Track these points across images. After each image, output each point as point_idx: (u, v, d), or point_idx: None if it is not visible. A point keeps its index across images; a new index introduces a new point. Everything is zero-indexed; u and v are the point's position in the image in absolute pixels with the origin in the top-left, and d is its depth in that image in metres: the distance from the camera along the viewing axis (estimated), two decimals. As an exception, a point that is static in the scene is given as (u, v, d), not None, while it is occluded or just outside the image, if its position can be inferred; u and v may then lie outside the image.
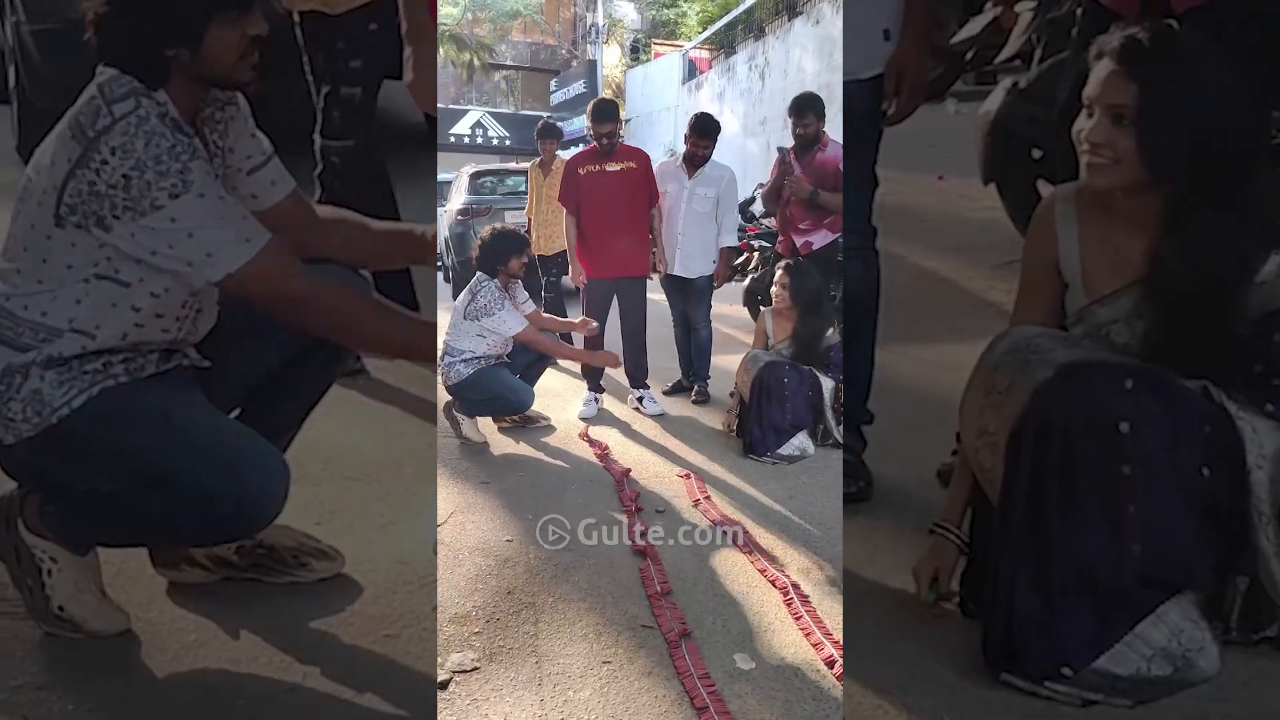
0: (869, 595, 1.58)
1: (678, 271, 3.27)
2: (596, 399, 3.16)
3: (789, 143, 3.25)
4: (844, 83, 1.67)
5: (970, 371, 1.28)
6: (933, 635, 1.37)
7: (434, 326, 1.39)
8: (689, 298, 3.32)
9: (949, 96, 2.59)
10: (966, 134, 1.89)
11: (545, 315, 3.12)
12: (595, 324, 3.00)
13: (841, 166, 3.18)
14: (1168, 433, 1.11)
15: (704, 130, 3.23)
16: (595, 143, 3.16)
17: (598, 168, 3.18)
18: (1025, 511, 1.15)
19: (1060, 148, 1.28)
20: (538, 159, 3.81)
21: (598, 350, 3.07)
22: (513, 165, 5.02)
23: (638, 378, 3.16)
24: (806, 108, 3.18)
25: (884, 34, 1.65)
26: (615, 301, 3.18)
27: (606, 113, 3.19)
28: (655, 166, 3.32)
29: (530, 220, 3.84)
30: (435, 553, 1.72)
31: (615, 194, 3.15)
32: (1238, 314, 1.15)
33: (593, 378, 3.16)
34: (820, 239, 3.18)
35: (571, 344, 3.19)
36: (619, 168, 3.16)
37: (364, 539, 1.70)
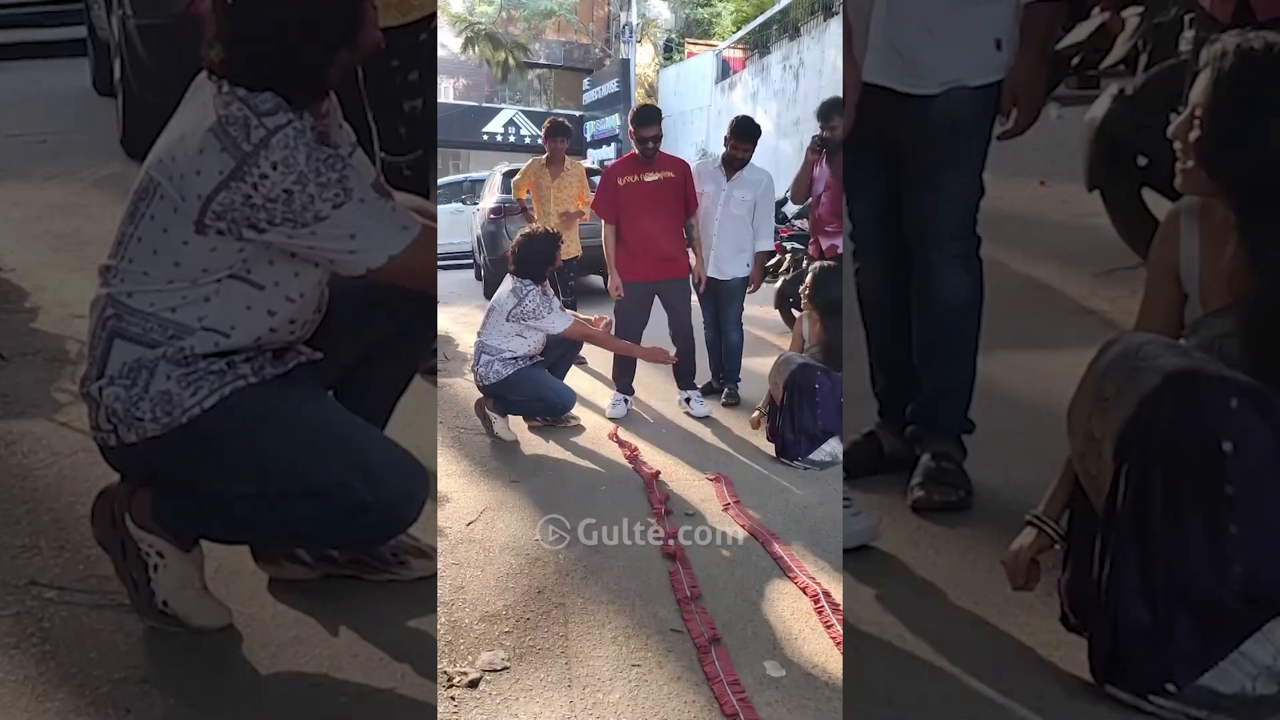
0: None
1: (711, 273, 3.26)
2: (626, 400, 3.16)
3: (820, 144, 3.23)
4: (947, 90, 1.64)
5: (1078, 378, 1.26)
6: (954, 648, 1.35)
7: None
8: (722, 300, 3.31)
9: (1051, 101, 2.55)
10: (1069, 139, 1.87)
11: (574, 314, 3.12)
12: (608, 320, 2.99)
13: None
14: (1272, 453, 1.10)
15: (744, 133, 3.22)
16: (636, 148, 3.15)
17: (636, 178, 3.17)
18: (1131, 520, 1.14)
19: (1167, 155, 1.26)
20: (543, 156, 3.80)
21: (650, 349, 3.04)
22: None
23: (686, 379, 3.15)
24: (833, 111, 3.16)
25: (996, 44, 1.63)
26: (657, 304, 3.16)
27: (650, 117, 3.18)
28: (694, 167, 3.32)
29: (527, 204, 3.79)
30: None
31: (655, 202, 3.14)
32: None
33: (622, 379, 3.16)
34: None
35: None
36: (658, 177, 3.16)
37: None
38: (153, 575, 1.37)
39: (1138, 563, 1.13)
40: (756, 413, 2.84)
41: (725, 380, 3.27)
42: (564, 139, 3.84)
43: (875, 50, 1.72)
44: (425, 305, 1.47)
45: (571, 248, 3.71)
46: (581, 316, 3.08)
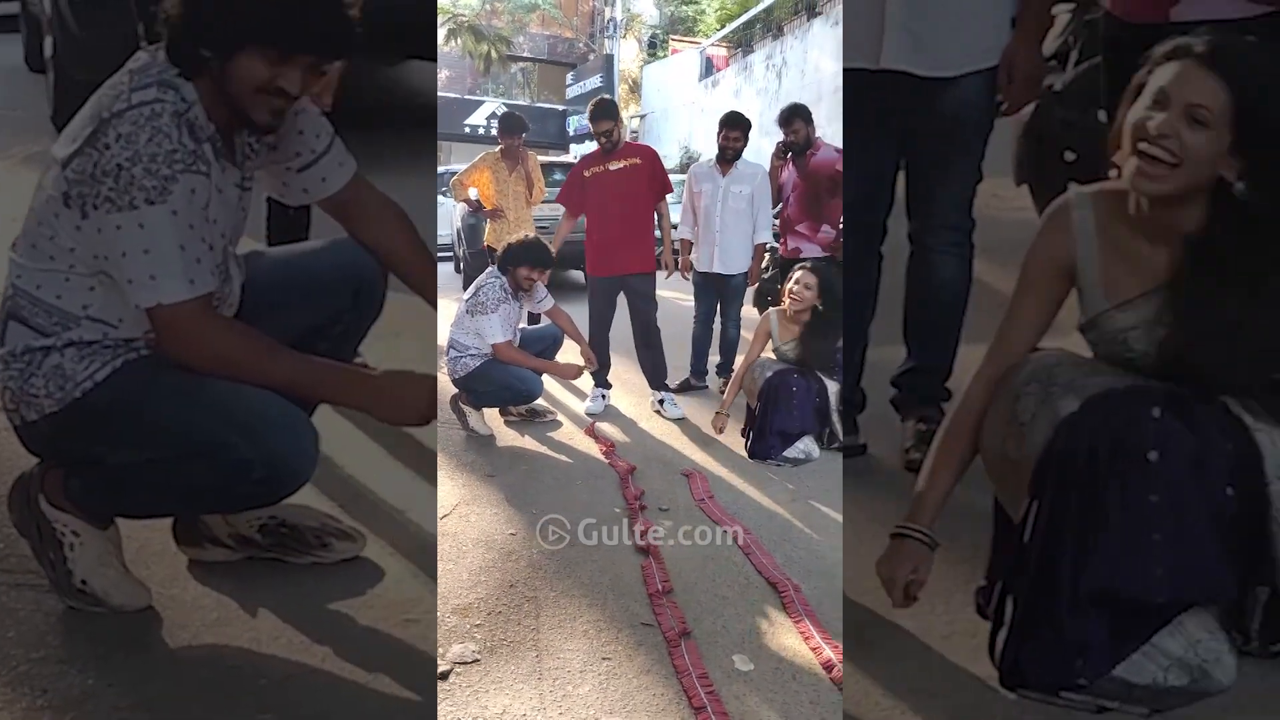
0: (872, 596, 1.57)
1: (716, 269, 3.27)
2: (604, 395, 3.16)
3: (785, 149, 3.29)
4: (961, 75, 1.65)
5: (979, 368, 1.28)
6: (937, 638, 1.37)
7: (368, 375, 1.32)
8: (725, 296, 3.32)
9: (1053, 72, 2.56)
10: (1000, 134, 1.88)
11: (562, 313, 3.11)
12: (590, 366, 2.97)
13: (839, 168, 3.23)
14: (1194, 456, 1.11)
15: (734, 123, 3.26)
16: (597, 142, 3.16)
17: (602, 168, 3.18)
18: (1048, 537, 1.14)
19: (1094, 151, 1.27)
20: (497, 148, 3.73)
21: (595, 353, 3.04)
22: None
23: (657, 378, 3.15)
24: (793, 116, 3.23)
25: (1011, 22, 1.66)
26: (623, 299, 3.18)
27: (605, 111, 3.19)
28: (690, 169, 3.33)
29: (463, 197, 3.73)
30: (435, 543, 1.72)
31: (620, 192, 3.15)
32: (1260, 322, 1.13)
33: (600, 373, 3.17)
34: (811, 251, 3.20)
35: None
36: (622, 165, 3.16)
37: (386, 522, 1.70)
38: (69, 554, 1.36)
39: (1053, 575, 1.13)
40: (718, 415, 2.85)
41: (721, 373, 3.31)
42: (520, 133, 3.82)
43: (890, 36, 1.71)
44: (360, 296, 1.44)
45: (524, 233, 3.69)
46: (557, 364, 2.99)
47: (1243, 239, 1.14)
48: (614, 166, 3.17)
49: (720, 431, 2.81)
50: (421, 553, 1.61)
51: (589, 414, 3.06)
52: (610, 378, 3.20)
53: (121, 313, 1.28)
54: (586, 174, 3.21)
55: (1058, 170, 2.48)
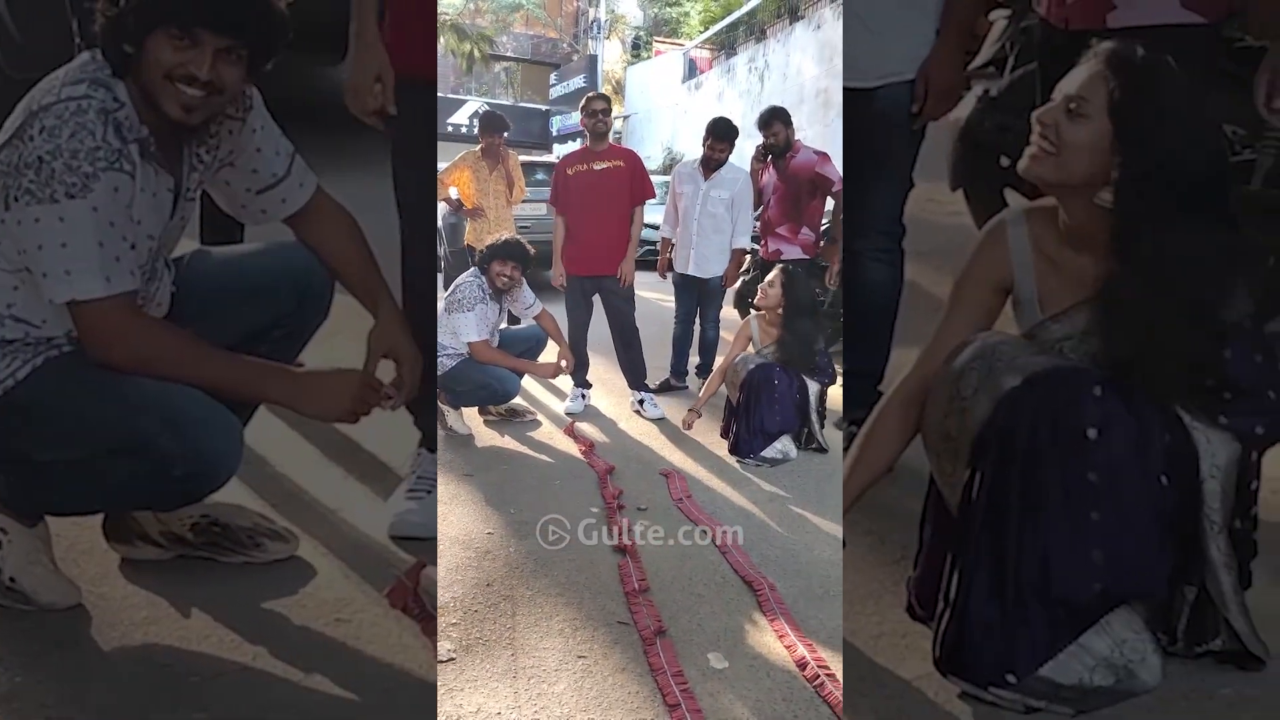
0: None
1: (692, 271, 3.30)
2: (584, 394, 3.17)
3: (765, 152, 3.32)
4: (886, 85, 1.67)
5: (915, 362, 1.29)
6: (866, 639, 1.38)
7: (293, 372, 1.29)
8: (703, 298, 3.34)
9: (979, 80, 2.56)
10: (935, 139, 1.89)
11: (549, 317, 3.11)
12: (561, 369, 2.97)
13: (818, 170, 3.27)
14: (1133, 440, 1.11)
15: (722, 134, 3.28)
16: (586, 126, 3.17)
17: (585, 167, 3.20)
18: (985, 517, 1.15)
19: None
20: (477, 147, 3.76)
21: (576, 353, 3.06)
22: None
23: (636, 379, 3.16)
24: (772, 119, 3.28)
25: (936, 34, 1.67)
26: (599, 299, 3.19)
27: (598, 100, 3.22)
28: (674, 168, 3.34)
29: (444, 196, 3.72)
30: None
31: (599, 193, 3.16)
32: (1202, 329, 1.15)
33: (579, 372, 3.17)
34: (792, 253, 3.23)
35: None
36: (606, 165, 3.18)
37: (319, 522, 1.67)
38: None
39: (991, 559, 1.14)
40: (689, 412, 2.86)
41: (701, 374, 3.34)
42: (500, 132, 3.82)
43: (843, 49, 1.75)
44: (304, 300, 1.42)
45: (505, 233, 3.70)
46: (540, 364, 2.98)
47: (1158, 247, 1.16)
48: (598, 166, 3.18)
49: (689, 428, 2.83)
50: (353, 551, 1.58)
51: (568, 413, 3.07)
52: (590, 378, 3.21)
53: (44, 312, 1.26)
54: (569, 171, 3.22)
55: (993, 175, 2.47)
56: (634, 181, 3.19)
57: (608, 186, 3.16)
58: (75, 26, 1.73)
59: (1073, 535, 1.11)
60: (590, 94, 3.30)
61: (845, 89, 1.72)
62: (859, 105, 1.70)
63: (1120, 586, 1.14)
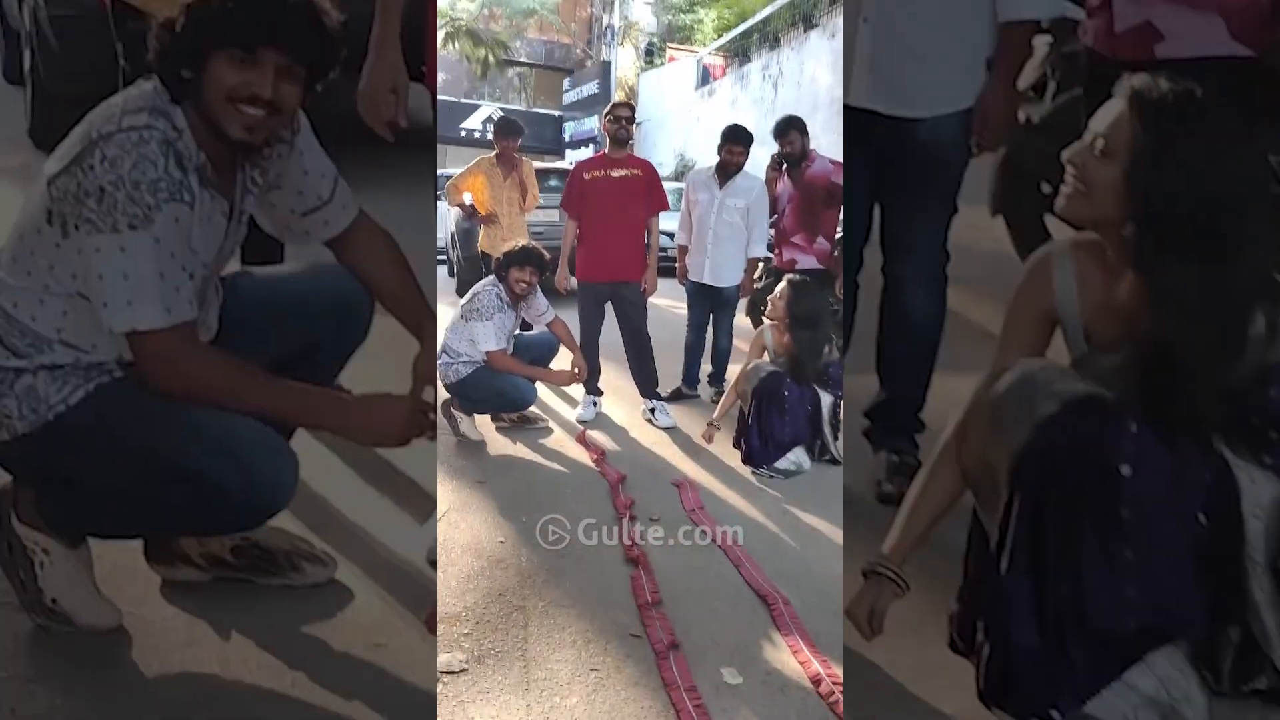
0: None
1: (708, 280, 3.28)
2: (595, 402, 3.16)
3: (780, 161, 3.30)
4: (936, 115, 1.67)
5: (970, 399, 1.26)
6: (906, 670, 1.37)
7: (345, 399, 1.31)
8: (717, 307, 3.32)
9: (1030, 104, 2.55)
10: (977, 165, 1.88)
11: (562, 324, 3.11)
12: (575, 376, 2.96)
13: (834, 179, 3.26)
14: (1168, 477, 1.11)
15: (738, 138, 3.27)
16: (609, 130, 3.16)
17: (603, 173, 3.19)
18: (1025, 545, 1.14)
19: None
20: (492, 153, 3.75)
21: (587, 361, 3.04)
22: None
23: (647, 388, 3.15)
24: (788, 127, 3.27)
25: (987, 64, 1.66)
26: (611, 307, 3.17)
27: (622, 107, 3.25)
28: (689, 176, 3.34)
29: (458, 201, 3.72)
30: (435, 566, 1.70)
31: (617, 200, 3.15)
32: (1232, 367, 1.14)
33: (591, 380, 3.16)
34: (807, 262, 3.22)
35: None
36: (624, 174, 3.18)
37: (358, 545, 1.69)
38: (39, 572, 1.35)
39: (1031, 587, 1.13)
40: (708, 426, 2.85)
41: (714, 383, 3.33)
42: (515, 138, 3.82)
43: (860, 75, 1.73)
44: (344, 322, 1.44)
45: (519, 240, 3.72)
46: (553, 371, 2.97)
47: (1181, 284, 1.15)
48: (615, 174, 3.17)
49: (709, 442, 2.82)
50: (391, 575, 1.58)
51: (580, 421, 3.06)
52: (603, 385, 3.20)
53: (94, 338, 1.27)
54: (585, 176, 3.21)
55: (1034, 202, 2.48)
56: (651, 192, 3.18)
57: (625, 194, 3.15)
58: (120, 50, 1.73)
59: (1107, 570, 1.10)
60: (616, 100, 3.32)
61: (883, 116, 1.69)
62: (902, 132, 1.67)
63: (1157, 624, 1.12)
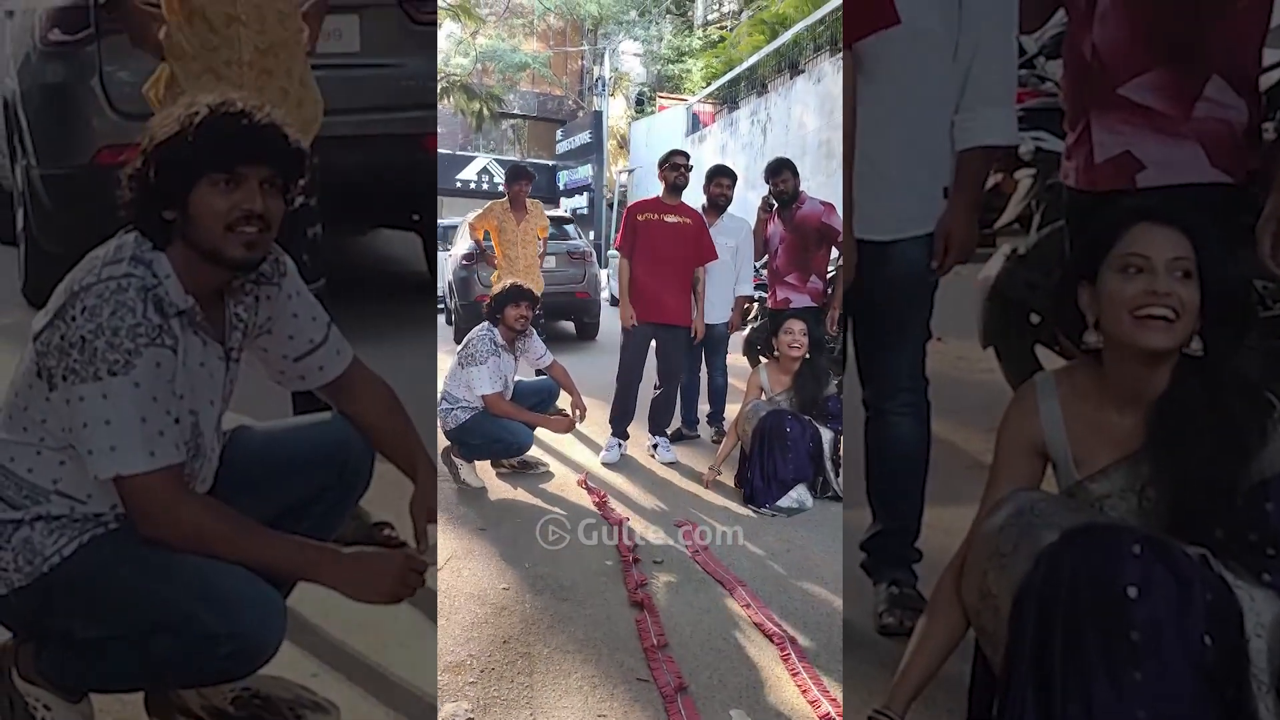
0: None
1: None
2: (620, 444, 3.12)
3: (771, 202, 3.35)
4: (899, 238, 1.68)
5: (967, 534, 1.26)
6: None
7: (337, 553, 1.28)
8: (709, 345, 3.36)
9: (1004, 239, 2.56)
10: (963, 297, 1.88)
11: (561, 369, 3.12)
12: (574, 421, 2.97)
13: (824, 220, 3.32)
14: (1174, 599, 1.10)
15: (723, 171, 3.37)
16: (665, 178, 3.25)
17: (656, 216, 3.25)
18: (1031, 675, 1.13)
19: (1059, 313, 1.27)
20: (503, 200, 3.83)
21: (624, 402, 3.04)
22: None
23: (659, 423, 3.18)
24: (781, 168, 3.33)
25: (944, 192, 1.68)
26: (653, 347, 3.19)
27: (677, 159, 3.31)
28: None
29: (488, 247, 3.80)
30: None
31: (668, 245, 3.21)
32: (1236, 482, 1.15)
33: (618, 423, 3.15)
34: (801, 301, 3.26)
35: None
36: (677, 220, 3.24)
37: (361, 672, 1.57)
38: None
39: (1039, 717, 1.11)
40: (709, 470, 2.85)
41: (712, 422, 3.35)
42: (526, 183, 3.90)
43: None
44: (345, 473, 1.43)
45: (534, 288, 3.78)
46: (539, 415, 2.96)
47: (1208, 396, 1.17)
48: (669, 219, 3.24)
49: (708, 486, 2.81)
50: (397, 701, 1.49)
51: (604, 463, 3.04)
52: (596, 425, 3.20)
53: (90, 487, 1.28)
54: (639, 218, 3.26)
55: (1023, 332, 2.48)
56: (700, 240, 3.24)
57: (676, 240, 3.21)
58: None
59: (1117, 695, 1.09)
60: (673, 149, 3.35)
61: (857, 239, 1.70)
62: (873, 257, 1.69)
63: None
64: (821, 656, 1.68)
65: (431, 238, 3.23)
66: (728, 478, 2.86)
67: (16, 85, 2.99)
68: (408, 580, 1.28)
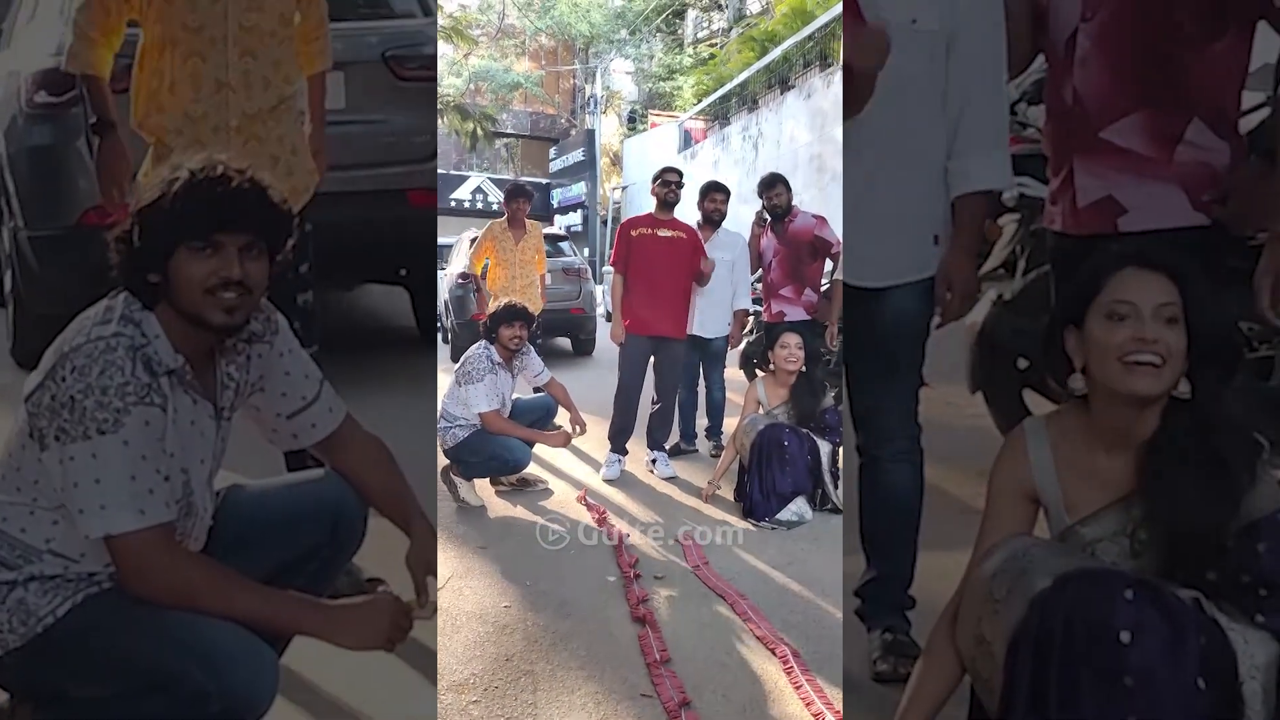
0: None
1: (695, 331, 3.33)
2: (619, 460, 3.13)
3: (765, 216, 3.40)
4: (891, 286, 1.68)
5: (961, 580, 1.26)
6: None
7: (327, 605, 1.30)
8: (707, 359, 3.38)
9: (991, 283, 2.57)
10: (952, 342, 1.87)
11: (559, 386, 3.13)
12: (572, 435, 2.98)
13: (817, 233, 3.35)
14: (1167, 643, 1.10)
15: (717, 187, 3.41)
16: (658, 194, 3.30)
17: (650, 232, 3.28)
18: (1027, 717, 1.13)
19: (1047, 358, 1.26)
20: (503, 219, 3.88)
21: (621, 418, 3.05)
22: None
23: (657, 437, 3.19)
24: (775, 182, 3.38)
25: (934, 239, 1.68)
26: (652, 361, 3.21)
27: (672, 171, 3.36)
28: None
29: (481, 276, 3.84)
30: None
31: (663, 259, 3.23)
32: (1227, 524, 1.16)
33: (618, 438, 3.16)
34: (796, 314, 3.28)
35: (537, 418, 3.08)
36: (670, 235, 3.27)
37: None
38: None
39: None
40: (708, 484, 2.86)
41: (711, 436, 3.36)
42: (526, 201, 3.93)
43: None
44: (338, 530, 1.43)
45: (533, 305, 3.81)
46: (538, 433, 2.95)
47: (1197, 438, 1.18)
48: (663, 234, 3.27)
49: (708, 500, 2.81)
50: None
51: (605, 479, 3.05)
52: (594, 441, 3.21)
53: (82, 546, 1.28)
54: (633, 234, 3.29)
55: (1011, 377, 2.49)
56: (695, 255, 3.27)
57: (671, 254, 3.24)
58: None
59: None
60: (666, 166, 3.39)
61: (848, 286, 1.71)
62: (866, 304, 1.70)
63: None
64: (824, 669, 1.68)
65: (427, 292, 3.22)
66: (727, 491, 2.87)
67: (3, 148, 3.00)
68: (399, 625, 1.28)
